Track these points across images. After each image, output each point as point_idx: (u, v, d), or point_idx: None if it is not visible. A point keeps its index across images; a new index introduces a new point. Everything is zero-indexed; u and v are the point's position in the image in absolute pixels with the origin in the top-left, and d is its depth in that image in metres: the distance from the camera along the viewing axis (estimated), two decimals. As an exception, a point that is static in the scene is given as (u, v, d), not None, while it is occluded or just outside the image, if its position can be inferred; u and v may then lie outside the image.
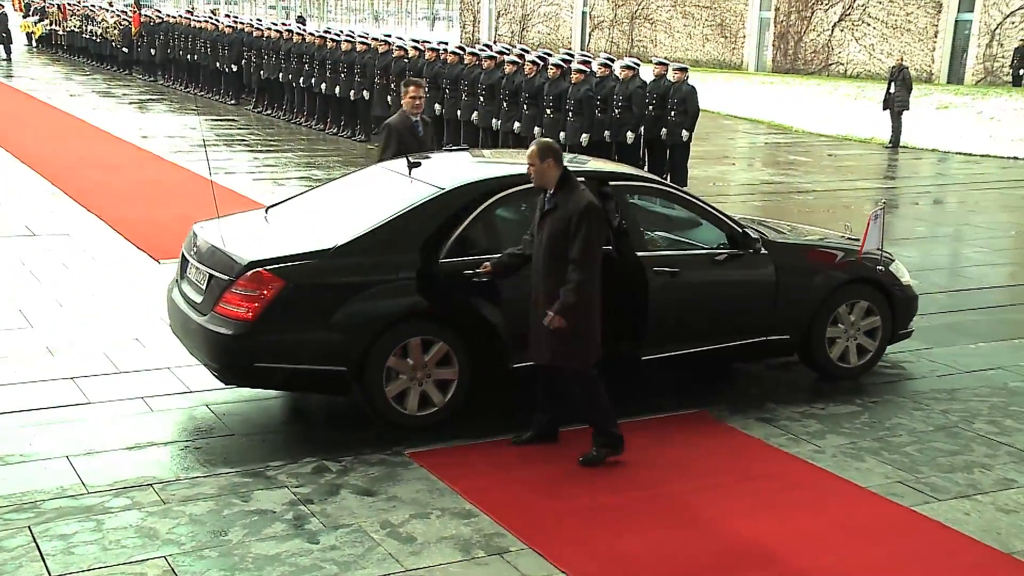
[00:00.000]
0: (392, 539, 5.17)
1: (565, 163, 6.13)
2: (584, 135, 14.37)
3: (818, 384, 7.63)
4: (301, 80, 21.20)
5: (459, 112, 16.67)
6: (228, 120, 22.29)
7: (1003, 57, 31.37)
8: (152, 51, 29.31)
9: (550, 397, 6.32)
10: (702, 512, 5.58)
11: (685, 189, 7.65)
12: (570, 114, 14.52)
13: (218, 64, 25.14)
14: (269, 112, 22.99)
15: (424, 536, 5.21)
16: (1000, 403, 7.32)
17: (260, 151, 18.23)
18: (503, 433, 6.44)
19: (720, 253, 7.22)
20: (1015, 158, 20.62)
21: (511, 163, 7.86)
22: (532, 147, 6.09)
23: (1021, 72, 30.36)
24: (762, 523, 5.46)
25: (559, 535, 5.27)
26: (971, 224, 14.38)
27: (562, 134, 14.49)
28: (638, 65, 15.20)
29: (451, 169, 7.32)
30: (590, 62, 15.40)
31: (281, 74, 21.97)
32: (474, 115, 16.26)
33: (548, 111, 14.79)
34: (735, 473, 6.09)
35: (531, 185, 6.28)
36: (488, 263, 6.36)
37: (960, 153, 21.22)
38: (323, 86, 20.34)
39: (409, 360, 6.38)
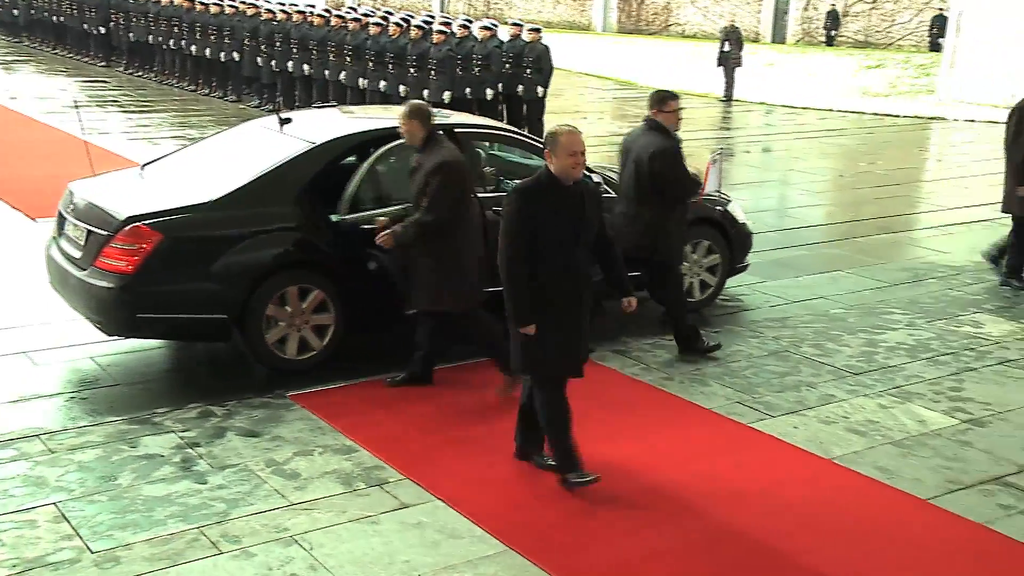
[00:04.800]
0: (277, 476, 5.10)
1: (434, 122, 6.10)
2: (446, 92, 14.24)
3: (666, 317, 7.79)
4: (171, 42, 20.37)
5: (327, 72, 16.30)
6: (99, 82, 21.25)
7: (817, 19, 32.43)
8: (15, 12, 27.63)
9: (427, 339, 6.29)
10: (564, 437, 5.66)
11: (539, 139, 7.71)
12: (432, 73, 14.37)
13: (85, 26, 23.89)
14: (140, 74, 22.02)
15: (308, 472, 5.16)
16: (822, 328, 7.64)
17: (133, 112, 17.47)
18: (378, 373, 6.40)
19: None
20: (831, 109, 21.36)
21: (378, 118, 7.78)
22: (403, 108, 6.05)
23: (832, 33, 31.57)
24: (619, 444, 5.59)
25: (434, 465, 5.29)
26: (795, 169, 14.87)
27: (426, 92, 14.32)
28: (495, 26, 15.13)
29: (321, 124, 7.17)
30: (450, 23, 15.26)
31: (151, 36, 21.06)
32: (342, 75, 15.92)
33: (412, 70, 14.60)
34: (594, 401, 6.17)
35: (400, 139, 6.25)
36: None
37: (784, 105, 21.87)
38: (193, 48, 19.60)
39: (287, 307, 6.28)
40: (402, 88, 14.55)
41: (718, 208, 7.94)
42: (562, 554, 4.48)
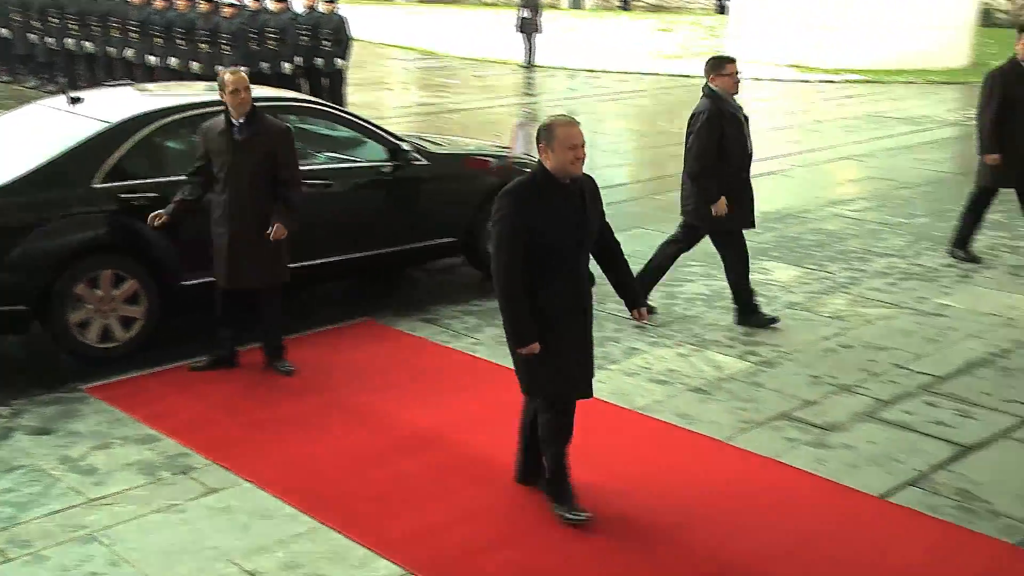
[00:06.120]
0: (73, 473, 4.87)
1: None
2: (242, 67, 13.82)
3: (473, 284, 7.88)
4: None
5: (111, 49, 15.51)
6: None
7: (614, -16, 33.31)
8: None
9: (235, 321, 6.13)
10: (375, 410, 5.65)
11: (347, 110, 7.65)
12: (227, 47, 13.92)
13: None
14: None
15: (106, 466, 4.95)
16: (625, 285, 7.88)
17: None
18: (180, 359, 6.20)
19: (383, 166, 7.28)
20: (629, 72, 21.98)
21: (176, 95, 7.57)
22: (241, 74, 5.86)
23: (626, -2, 32.55)
24: (431, 412, 5.62)
25: (243, 448, 5.18)
26: (598, 132, 15.23)
27: (219, 67, 13.87)
28: (289, -3, 14.79)
29: (116, 103, 6.89)
30: (242, -5, 14.81)
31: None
32: (128, 52, 15.19)
33: (203, 45, 14.09)
34: (404, 371, 6.21)
35: (196, 113, 6.32)
36: (162, 214, 5.89)
37: (585, 69, 22.34)
38: (-44, 25, 18.24)
39: (98, 291, 6.03)
40: (195, 64, 14.04)
41: (527, 171, 8.06)
42: (374, 524, 4.48)
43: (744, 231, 6.94)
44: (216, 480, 4.84)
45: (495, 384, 6.06)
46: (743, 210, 6.83)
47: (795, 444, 5.28)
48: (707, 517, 4.60)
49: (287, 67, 14.19)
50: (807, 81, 20.44)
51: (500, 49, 24.34)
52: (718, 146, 6.59)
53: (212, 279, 6.06)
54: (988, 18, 25.16)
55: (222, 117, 5.86)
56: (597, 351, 6.42)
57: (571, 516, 4.50)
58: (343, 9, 14.85)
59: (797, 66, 21.52)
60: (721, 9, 29.38)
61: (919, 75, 20.53)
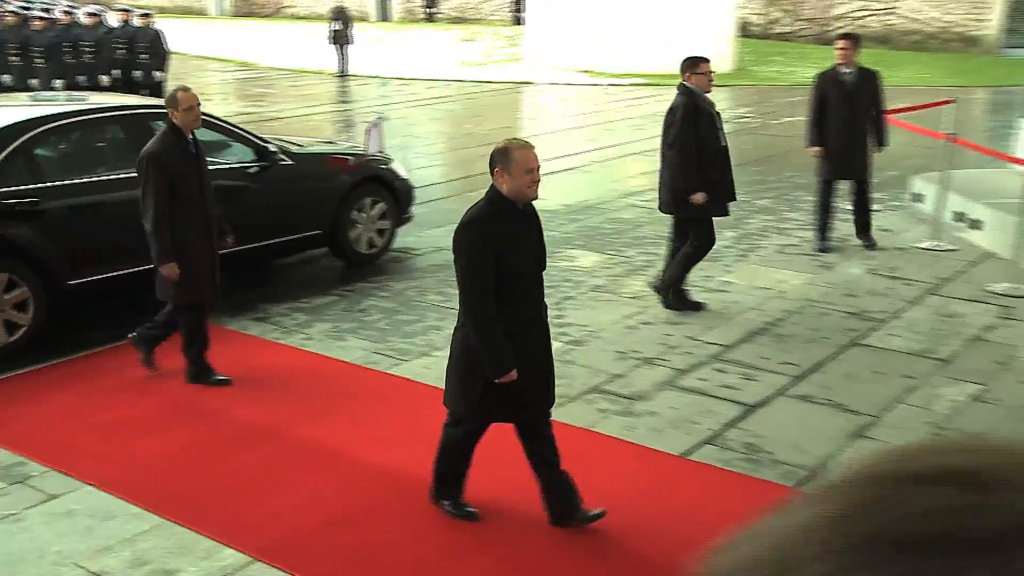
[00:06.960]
0: (-99, 492, 4.49)
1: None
2: (58, 80, 13.03)
3: (300, 282, 7.75)
4: None
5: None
6: None
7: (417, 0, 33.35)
8: None
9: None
10: (213, 407, 5.48)
11: (214, 115, 7.35)
12: (38, 60, 13.06)
13: None
14: None
15: (-63, 482, 4.59)
16: (444, 277, 7.90)
17: None
18: (10, 370, 5.81)
19: (251, 166, 7.26)
20: (436, 79, 22.05)
21: (35, 104, 7.37)
22: (193, 92, 5.54)
23: (431, 11, 32.77)
24: (268, 406, 5.49)
25: (82, 452, 4.91)
26: (411, 135, 15.21)
27: (33, 81, 13.02)
28: (102, 12, 14.03)
29: None
30: (51, 10, 13.94)
31: None
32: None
33: (13, 58, 13.18)
34: (237, 369, 6.02)
35: (69, 122, 6.43)
36: (173, 267, 5.49)
37: (396, 77, 22.23)
38: None
39: None
40: (6, 77, 13.10)
41: (382, 167, 8.18)
42: (219, 516, 4.35)
43: (714, 218, 6.89)
44: (55, 486, 4.57)
45: (327, 377, 5.99)
46: (717, 199, 6.76)
47: (606, 414, 5.46)
48: (530, 487, 4.69)
49: (105, 80, 13.47)
50: (597, 84, 21.06)
51: (314, 60, 23.90)
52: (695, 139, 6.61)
53: (95, 278, 6.12)
54: (745, 29, 26.63)
55: (165, 139, 5.48)
56: (420, 340, 6.50)
57: (456, 511, 4.37)
58: (160, 23, 14.24)
59: (588, 71, 22.15)
60: (517, 20, 29.86)
61: (694, 79, 21.53)
